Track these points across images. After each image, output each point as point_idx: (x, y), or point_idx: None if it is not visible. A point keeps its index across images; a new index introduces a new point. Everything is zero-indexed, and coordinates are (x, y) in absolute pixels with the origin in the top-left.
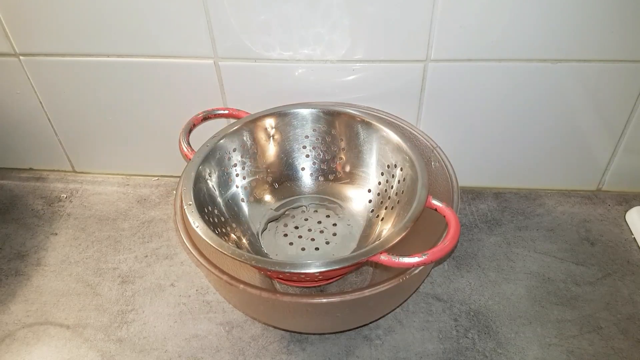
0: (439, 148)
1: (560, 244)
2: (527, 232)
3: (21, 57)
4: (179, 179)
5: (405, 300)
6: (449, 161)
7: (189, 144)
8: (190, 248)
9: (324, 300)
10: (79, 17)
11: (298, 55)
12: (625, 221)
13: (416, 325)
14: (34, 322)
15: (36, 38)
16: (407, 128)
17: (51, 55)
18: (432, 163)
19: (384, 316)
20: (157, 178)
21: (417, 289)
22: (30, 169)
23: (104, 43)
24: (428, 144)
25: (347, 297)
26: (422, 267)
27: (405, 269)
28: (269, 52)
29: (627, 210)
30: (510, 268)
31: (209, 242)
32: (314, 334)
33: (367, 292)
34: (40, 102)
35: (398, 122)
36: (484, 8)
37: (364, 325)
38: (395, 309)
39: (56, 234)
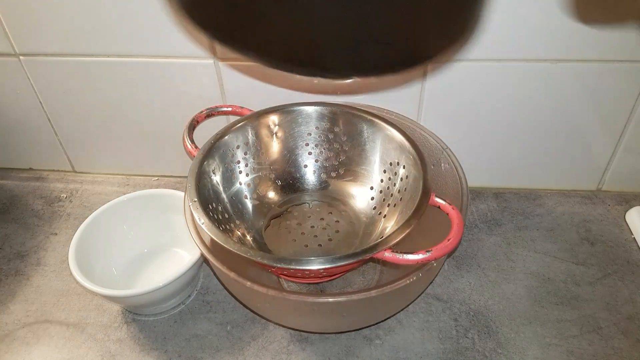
0: (449, 149)
1: (560, 244)
2: (527, 232)
3: (21, 57)
4: (187, 176)
5: (414, 301)
6: (459, 163)
7: (192, 141)
8: (199, 245)
9: (331, 299)
10: (79, 17)
11: None
12: (625, 221)
13: (416, 325)
14: (34, 322)
15: (36, 38)
16: (418, 129)
17: (51, 55)
18: (442, 165)
19: (390, 317)
20: (157, 178)
21: (426, 288)
22: (30, 169)
23: (104, 43)
24: (438, 145)
25: (354, 297)
26: (430, 264)
27: (410, 266)
28: None
29: (627, 210)
30: (510, 268)
31: (215, 239)
32: (321, 333)
33: (373, 293)
34: (40, 102)
35: (407, 123)
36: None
37: (373, 324)
38: (402, 309)
39: (56, 234)
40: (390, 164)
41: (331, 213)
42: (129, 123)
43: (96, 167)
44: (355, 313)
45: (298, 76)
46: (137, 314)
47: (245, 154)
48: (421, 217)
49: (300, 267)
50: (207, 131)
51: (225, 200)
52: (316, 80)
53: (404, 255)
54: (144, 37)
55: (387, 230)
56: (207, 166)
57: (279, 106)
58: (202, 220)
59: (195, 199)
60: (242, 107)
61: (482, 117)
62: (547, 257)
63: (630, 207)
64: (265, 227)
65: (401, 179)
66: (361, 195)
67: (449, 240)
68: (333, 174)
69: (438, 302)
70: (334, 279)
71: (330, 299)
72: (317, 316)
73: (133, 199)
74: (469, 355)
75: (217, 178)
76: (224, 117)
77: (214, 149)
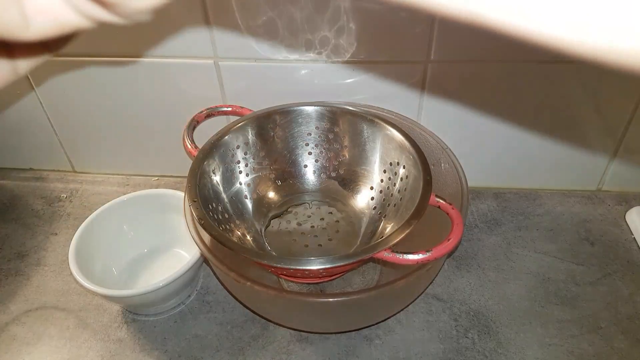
0: (449, 149)
1: (560, 244)
2: (527, 232)
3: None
4: (187, 176)
5: (414, 301)
6: (459, 163)
7: (192, 141)
8: (200, 245)
9: (331, 299)
10: None
11: (298, 56)
12: (625, 221)
13: (416, 325)
14: (34, 322)
15: None
16: (418, 129)
17: None
18: (442, 165)
19: (390, 317)
20: (157, 178)
21: (426, 288)
22: (30, 169)
23: (104, 43)
24: (438, 145)
25: (354, 297)
26: (430, 264)
27: (410, 266)
28: (268, 53)
29: (627, 210)
30: (510, 268)
31: (215, 239)
32: (321, 333)
33: (373, 293)
34: (40, 102)
35: (407, 123)
36: None
37: (373, 324)
38: (402, 309)
39: (56, 234)
40: (390, 164)
41: (331, 213)
42: (129, 123)
43: (96, 167)
44: (355, 313)
45: (298, 75)
46: (137, 314)
47: (245, 154)
48: (421, 217)
49: (300, 267)
50: (207, 131)
51: (225, 200)
52: (316, 80)
53: (404, 255)
54: (144, 37)
55: (387, 230)
56: (207, 166)
57: (279, 106)
58: (202, 220)
59: (196, 199)
60: (242, 107)
61: (482, 117)
62: (547, 257)
63: (630, 207)
64: (265, 227)
65: (401, 179)
66: (361, 195)
67: (449, 240)
68: (333, 174)
69: (438, 302)
70: (334, 279)
71: (330, 299)
72: (317, 316)
73: (133, 199)
74: (469, 355)
75: (217, 178)
76: (224, 117)
77: (214, 149)
